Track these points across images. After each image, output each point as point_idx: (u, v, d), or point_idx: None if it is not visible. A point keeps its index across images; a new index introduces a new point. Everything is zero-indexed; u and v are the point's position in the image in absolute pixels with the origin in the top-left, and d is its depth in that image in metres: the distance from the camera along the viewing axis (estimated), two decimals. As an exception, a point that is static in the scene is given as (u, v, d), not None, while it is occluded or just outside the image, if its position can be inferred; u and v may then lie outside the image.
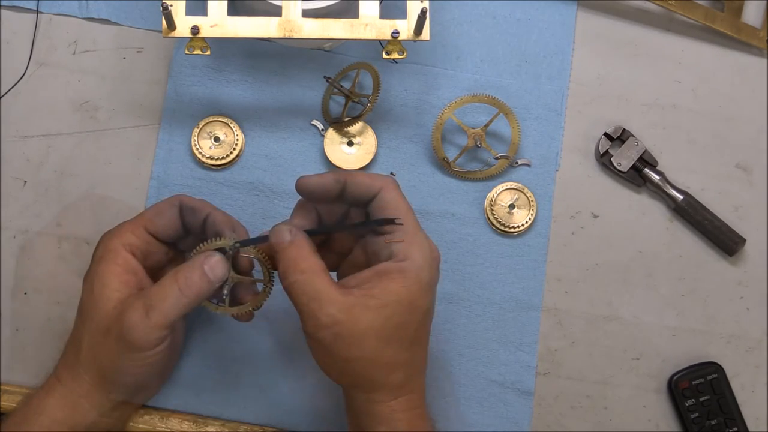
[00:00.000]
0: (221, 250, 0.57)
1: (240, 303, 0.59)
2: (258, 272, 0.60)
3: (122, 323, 0.55)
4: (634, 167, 0.70)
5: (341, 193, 0.57)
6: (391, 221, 0.55)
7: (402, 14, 0.62)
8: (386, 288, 0.53)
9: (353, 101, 0.69)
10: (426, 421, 0.58)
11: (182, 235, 0.61)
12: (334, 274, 0.62)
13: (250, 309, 0.59)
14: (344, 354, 0.53)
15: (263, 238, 0.56)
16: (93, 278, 0.58)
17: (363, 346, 0.53)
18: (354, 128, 0.69)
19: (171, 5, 0.59)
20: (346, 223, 0.60)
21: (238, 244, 0.57)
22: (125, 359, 0.56)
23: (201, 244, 0.57)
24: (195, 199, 0.61)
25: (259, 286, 0.60)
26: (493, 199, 0.69)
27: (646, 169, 0.70)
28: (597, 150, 0.70)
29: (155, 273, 0.61)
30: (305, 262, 0.53)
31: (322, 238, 0.60)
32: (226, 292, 0.57)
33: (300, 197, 0.58)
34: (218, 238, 0.57)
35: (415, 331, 0.55)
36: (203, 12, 0.61)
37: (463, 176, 0.70)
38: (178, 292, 0.55)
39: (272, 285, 0.58)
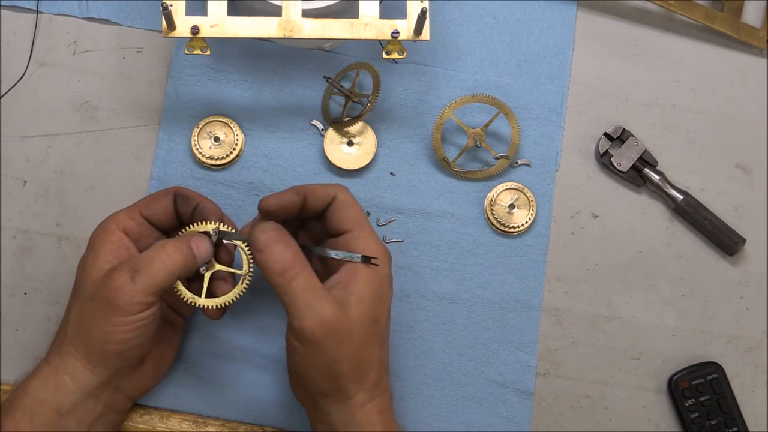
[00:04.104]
0: (206, 234, 0.60)
1: (214, 296, 0.61)
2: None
3: (108, 286, 0.56)
4: (634, 167, 0.70)
5: (302, 206, 0.60)
6: (368, 259, 0.58)
7: (402, 14, 0.62)
8: (359, 281, 0.57)
9: (353, 101, 0.69)
10: (396, 425, 0.60)
11: (175, 224, 0.63)
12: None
13: (231, 301, 0.60)
14: (334, 353, 0.55)
15: (244, 234, 0.60)
16: (87, 256, 0.60)
17: (351, 342, 0.55)
18: (354, 128, 0.69)
19: (171, 5, 0.59)
20: (326, 249, 0.60)
21: (219, 230, 0.60)
22: (110, 324, 0.56)
23: (186, 227, 0.61)
24: (189, 190, 0.63)
25: (238, 280, 0.62)
26: (493, 199, 0.69)
27: (646, 169, 0.70)
28: (597, 150, 0.70)
29: None
30: (295, 260, 0.56)
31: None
32: (203, 269, 0.60)
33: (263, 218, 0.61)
34: (204, 223, 0.60)
35: (385, 325, 0.59)
36: (203, 12, 0.61)
37: (463, 176, 0.70)
38: (165, 258, 0.57)
39: (251, 276, 0.60)
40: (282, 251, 0.56)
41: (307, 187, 0.60)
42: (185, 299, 0.60)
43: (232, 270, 0.61)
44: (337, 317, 0.54)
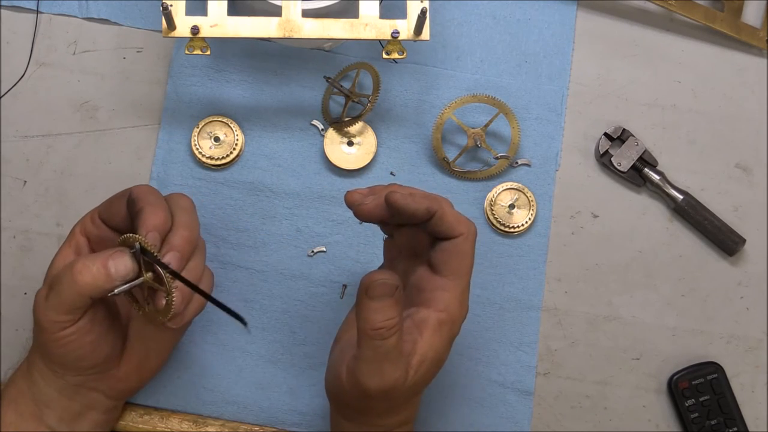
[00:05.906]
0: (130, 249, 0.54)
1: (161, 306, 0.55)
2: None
3: (34, 301, 0.55)
4: (634, 167, 0.70)
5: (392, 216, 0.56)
6: (193, 287, 0.53)
7: (402, 14, 0.62)
8: (426, 339, 0.55)
9: (353, 101, 0.69)
10: None
11: (131, 226, 0.57)
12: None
13: (161, 318, 0.54)
14: (373, 404, 0.55)
15: (166, 267, 0.53)
16: None
17: (395, 399, 0.55)
18: (354, 128, 0.69)
19: (171, 5, 0.59)
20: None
21: (138, 248, 0.53)
22: (41, 337, 0.56)
23: (125, 235, 0.54)
24: (143, 190, 0.57)
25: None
26: (493, 199, 0.69)
27: (646, 169, 0.70)
28: (597, 150, 0.70)
29: None
30: (396, 324, 0.52)
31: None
32: (119, 290, 0.53)
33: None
34: (131, 236, 0.53)
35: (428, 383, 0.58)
36: (203, 12, 0.61)
37: (463, 176, 0.70)
38: (70, 279, 0.53)
39: (172, 296, 0.53)
40: (389, 310, 0.52)
41: (442, 211, 0.54)
42: (139, 313, 0.56)
43: (157, 286, 0.53)
44: (395, 384, 0.53)
